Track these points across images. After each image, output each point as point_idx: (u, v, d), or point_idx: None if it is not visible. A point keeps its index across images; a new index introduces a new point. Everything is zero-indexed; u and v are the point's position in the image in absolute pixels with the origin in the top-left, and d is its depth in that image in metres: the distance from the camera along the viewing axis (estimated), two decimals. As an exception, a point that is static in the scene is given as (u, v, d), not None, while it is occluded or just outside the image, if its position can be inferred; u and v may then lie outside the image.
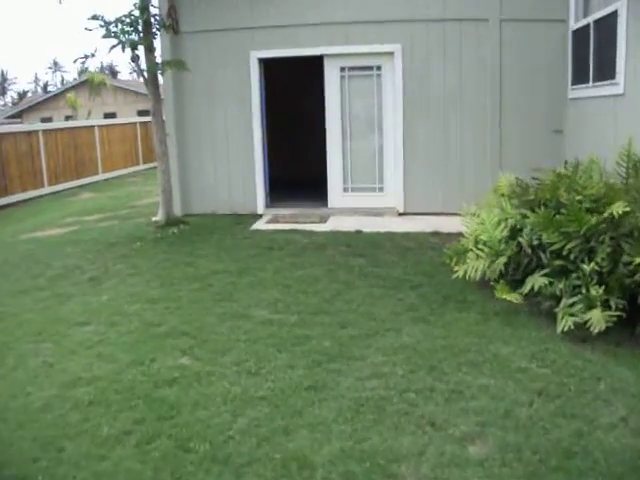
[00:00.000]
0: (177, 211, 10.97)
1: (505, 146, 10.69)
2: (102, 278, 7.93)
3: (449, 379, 4.89)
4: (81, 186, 18.94)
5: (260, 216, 11.03)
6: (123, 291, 7.32)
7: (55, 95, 39.79)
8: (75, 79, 39.77)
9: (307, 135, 15.38)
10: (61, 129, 19.09)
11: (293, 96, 14.76)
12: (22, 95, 75.37)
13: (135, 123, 23.83)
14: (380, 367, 5.11)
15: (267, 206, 11.33)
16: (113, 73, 43.63)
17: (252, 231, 9.98)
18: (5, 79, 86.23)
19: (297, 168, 14.97)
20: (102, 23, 8.86)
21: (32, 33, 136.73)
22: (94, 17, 8.91)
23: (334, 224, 10.28)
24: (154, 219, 10.69)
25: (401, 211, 10.90)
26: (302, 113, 15.19)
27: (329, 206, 11.15)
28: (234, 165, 11.18)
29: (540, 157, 10.52)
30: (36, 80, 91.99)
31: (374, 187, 11.10)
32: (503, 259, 6.41)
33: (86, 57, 9.10)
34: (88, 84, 33.08)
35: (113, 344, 5.77)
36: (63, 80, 72.64)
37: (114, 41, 8.96)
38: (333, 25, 10.62)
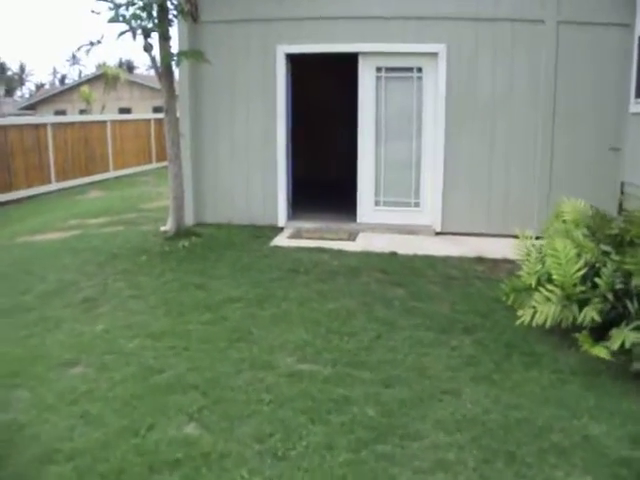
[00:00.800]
0: (189, 219, 9.75)
1: (556, 162, 9.41)
2: (99, 299, 6.73)
3: (534, 475, 3.66)
4: (91, 183, 17.78)
5: (281, 229, 9.79)
6: (121, 319, 6.11)
7: (70, 88, 38.65)
8: (93, 73, 38.41)
9: (332, 137, 14.26)
10: (71, 123, 17.95)
11: (318, 94, 13.59)
12: (39, 87, 74.34)
13: (149, 120, 22.62)
14: (444, 452, 3.89)
15: (289, 218, 10.08)
16: (129, 68, 42.37)
17: (273, 248, 8.73)
18: (23, 71, 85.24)
19: (320, 170, 13.83)
20: (111, 5, 7.63)
21: (52, 26, 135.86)
22: (101, -2, 7.70)
23: (365, 243, 9.03)
24: (163, 228, 9.46)
25: (438, 230, 9.64)
26: (327, 112, 14.05)
27: (358, 221, 9.89)
28: (254, 171, 9.94)
29: (594, 177, 9.34)
30: (54, 73, 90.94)
31: (409, 202, 9.84)
32: (592, 312, 5.15)
33: (92, 44, 7.85)
34: (103, 78, 32.09)
35: (103, 398, 4.54)
36: (80, 73, 71.53)
37: (125, 27, 7.73)
38: (370, 20, 9.37)
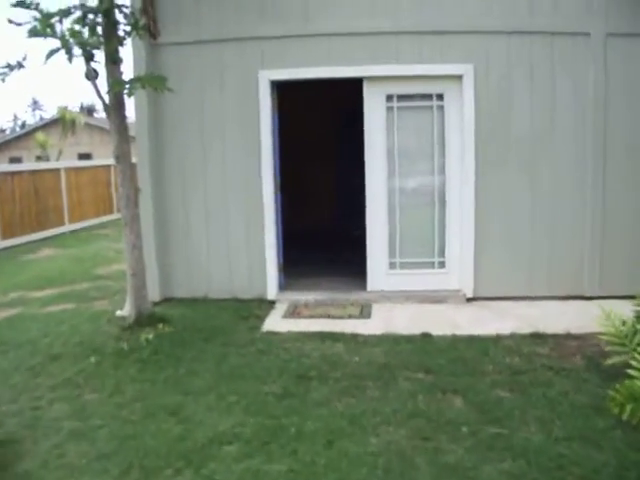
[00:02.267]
0: (154, 295, 7.38)
1: (610, 211, 7.30)
2: (23, 441, 4.33)
3: None
4: (43, 239, 15.14)
5: (272, 304, 7.44)
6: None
7: (26, 133, 35.70)
8: (51, 117, 35.63)
9: (328, 179, 12.04)
10: (19, 172, 15.40)
11: (310, 126, 11.40)
12: (-2, 133, 71.11)
13: (109, 166, 20.04)
14: None
15: (281, 288, 7.74)
16: (90, 111, 39.70)
17: (267, 335, 6.36)
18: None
19: (314, 220, 11.55)
20: (37, 15, 5.25)
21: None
22: (21, 3, 5.28)
23: (384, 320, 6.75)
24: (119, 313, 7.00)
25: (470, 295, 7.41)
26: (322, 149, 11.83)
27: (369, 288, 7.59)
28: (235, 230, 7.59)
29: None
30: (15, 119, 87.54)
31: (432, 262, 7.58)
32: None
33: (10, 68, 5.44)
34: (60, 122, 29.56)
35: None
36: (41, 119, 68.51)
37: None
38: (377, 36, 7.17)
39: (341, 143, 11.73)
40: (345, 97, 10.44)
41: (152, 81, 5.85)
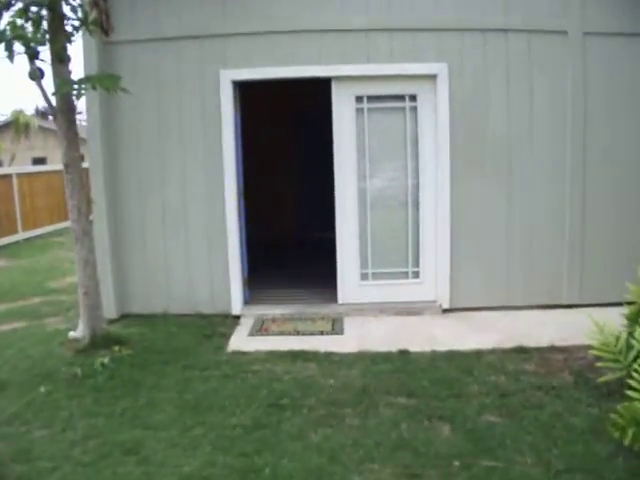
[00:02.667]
0: (109, 312, 6.82)
1: (590, 214, 6.96)
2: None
3: None
4: (-5, 249, 14.35)
5: (237, 319, 6.93)
6: None
7: (-23, 138, 34.43)
8: (3, 121, 34.29)
9: (293, 185, 11.50)
10: (-35, 179, 14.58)
11: (273, 129, 10.88)
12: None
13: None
14: None
15: (246, 302, 7.22)
16: (45, 114, 38.28)
17: (233, 356, 5.81)
18: None
19: (279, 230, 11.05)
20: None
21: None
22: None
23: (358, 336, 6.29)
24: (72, 335, 6.35)
25: (446, 306, 6.99)
26: (286, 153, 11.33)
27: (340, 301, 7.12)
28: (196, 242, 7.05)
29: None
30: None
31: (406, 272, 7.15)
32: None
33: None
34: (13, 125, 28.42)
35: None
36: (-5, 124, 66.39)
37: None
38: (347, 34, 6.71)
39: (302, 146, 11.26)
40: (304, 96, 10.00)
41: (104, 81, 5.26)
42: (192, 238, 7.02)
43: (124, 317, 7.09)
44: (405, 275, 7.13)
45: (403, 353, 5.79)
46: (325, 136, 7.37)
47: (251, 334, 6.41)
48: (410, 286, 7.09)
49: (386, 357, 5.70)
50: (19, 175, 16.44)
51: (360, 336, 6.28)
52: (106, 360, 5.57)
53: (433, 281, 7.04)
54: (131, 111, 6.86)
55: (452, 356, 5.72)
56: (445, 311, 7.00)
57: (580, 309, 6.93)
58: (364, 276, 7.12)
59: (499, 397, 4.85)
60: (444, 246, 6.91)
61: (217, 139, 6.88)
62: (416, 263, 7.09)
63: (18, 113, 29.05)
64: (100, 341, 5.85)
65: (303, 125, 11.05)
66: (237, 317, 6.98)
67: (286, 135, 11.32)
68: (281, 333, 6.39)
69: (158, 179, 6.96)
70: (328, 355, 5.76)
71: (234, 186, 6.94)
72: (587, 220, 6.95)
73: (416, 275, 7.11)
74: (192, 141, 6.91)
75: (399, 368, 5.43)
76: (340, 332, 6.40)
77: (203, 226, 7.00)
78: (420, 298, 7.07)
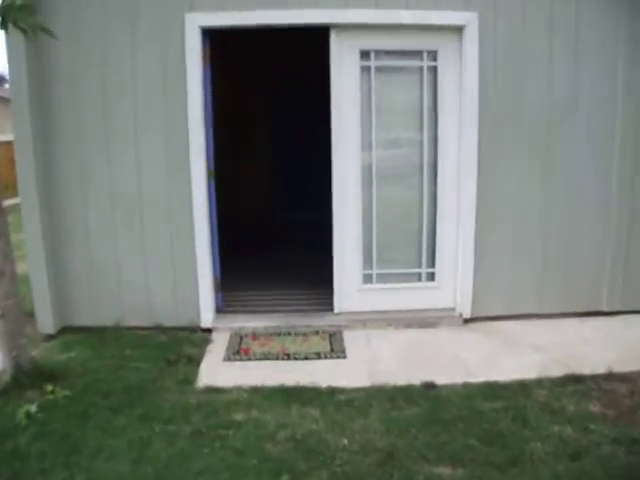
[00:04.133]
0: (46, 325, 5.26)
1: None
2: None
3: None
4: None
5: (208, 333, 5.37)
6: None
7: None
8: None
9: (275, 159, 9.84)
10: None
11: (250, 91, 9.21)
12: None
13: (9, 142, 16.98)
14: None
15: (219, 310, 5.65)
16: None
17: (205, 397, 4.20)
18: None
19: (247, 214, 9.44)
20: None
21: None
22: None
23: (365, 360, 4.80)
24: None
25: (467, 315, 5.54)
26: (267, 121, 9.70)
27: (337, 309, 5.59)
28: (154, 234, 5.41)
29: None
30: None
31: (418, 273, 5.65)
32: None
33: None
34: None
35: None
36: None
37: None
38: (350, -30, 5.10)
39: (278, 116, 9.63)
40: (284, 55, 8.39)
41: (23, 15, 3.52)
42: (149, 231, 5.37)
43: (65, 331, 5.45)
44: (417, 277, 5.64)
45: (429, 387, 4.33)
46: (314, 104, 5.84)
47: (227, 358, 4.85)
48: (423, 291, 5.61)
49: (408, 394, 4.22)
50: (-1, 143, 14.35)
51: (368, 360, 4.79)
52: (33, 407, 3.94)
53: (452, 285, 5.57)
54: (68, 69, 5.13)
55: (492, 391, 4.27)
56: (466, 321, 5.55)
57: (622, 317, 5.62)
58: (367, 278, 5.59)
59: (571, 460, 3.45)
60: (467, 240, 5.42)
61: (181, 104, 5.18)
62: (431, 262, 5.59)
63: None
64: (26, 378, 4.21)
65: (286, 91, 9.42)
66: (208, 330, 5.41)
67: (263, 101, 9.63)
68: (266, 356, 4.85)
69: (104, 157, 5.25)
70: (332, 393, 4.25)
71: (202, 164, 5.30)
72: (636, 215, 5.56)
73: (431, 277, 5.62)
74: (148, 104, 5.19)
75: (430, 415, 3.95)
76: (342, 354, 4.89)
77: (163, 215, 5.34)
78: (435, 305, 5.60)
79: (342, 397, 4.19)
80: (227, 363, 4.78)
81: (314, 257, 6.67)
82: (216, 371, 4.62)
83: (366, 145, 5.37)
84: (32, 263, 5.29)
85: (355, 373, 4.57)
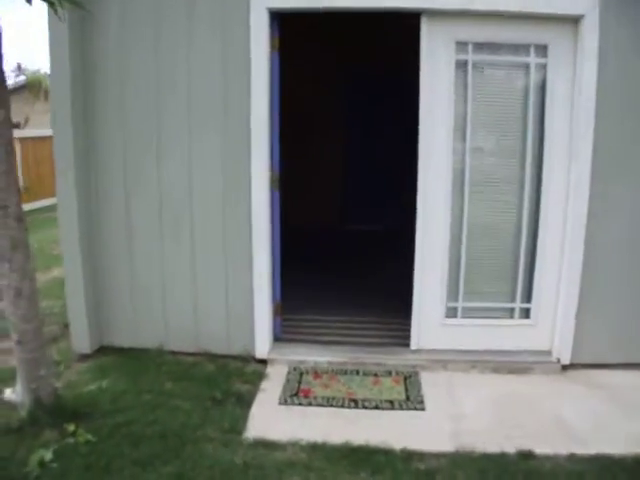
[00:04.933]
0: (82, 344, 4.62)
1: None
2: None
3: None
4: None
5: (263, 365, 4.57)
6: None
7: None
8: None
9: (332, 163, 9.06)
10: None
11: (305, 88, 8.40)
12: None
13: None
14: None
15: (276, 338, 4.85)
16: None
17: (254, 454, 3.38)
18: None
19: (313, 220, 8.73)
20: None
21: None
22: None
23: (447, 414, 3.90)
24: (9, 396, 3.94)
25: (566, 361, 4.57)
26: (324, 122, 8.93)
27: (414, 345, 4.69)
28: (206, 248, 4.63)
29: None
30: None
31: (511, 308, 4.71)
32: None
33: None
34: (30, 87, 26.00)
35: None
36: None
37: None
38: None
39: (353, 115, 8.84)
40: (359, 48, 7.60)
41: None
42: (200, 243, 4.62)
43: (102, 351, 4.75)
44: (509, 313, 4.70)
45: (526, 457, 3.43)
46: (391, 104, 5.00)
47: (284, 400, 4.04)
48: (516, 329, 4.68)
49: (502, 467, 3.33)
50: (23, 140, 14.07)
51: (451, 416, 3.89)
52: (49, 455, 3.23)
53: (549, 323, 4.62)
54: (115, 55, 4.45)
55: (609, 471, 3.34)
56: (564, 368, 4.59)
57: None
58: (451, 311, 4.68)
59: None
60: (573, 272, 4.46)
61: (243, 99, 4.43)
62: (527, 296, 4.66)
63: (39, 75, 26.66)
64: (46, 415, 3.52)
65: (360, 88, 8.64)
66: (262, 361, 4.63)
67: (333, 99, 8.84)
68: (329, 402, 4.01)
69: (152, 156, 4.53)
70: (409, 459, 3.39)
71: (266, 171, 4.51)
72: None
73: (525, 314, 4.68)
74: (204, 101, 4.45)
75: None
76: (419, 404, 4.01)
77: (217, 226, 4.59)
78: (528, 347, 4.66)
79: (421, 466, 3.33)
80: (283, 408, 3.97)
81: (388, 274, 5.82)
82: (269, 418, 3.82)
83: (458, 153, 4.48)
84: (69, 274, 4.63)
85: (436, 432, 3.69)
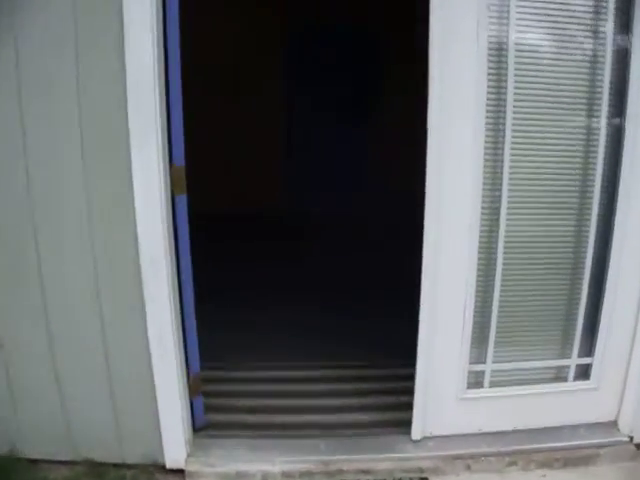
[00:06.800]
0: None
1: None
2: None
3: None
4: None
5: (180, 479, 2.72)
6: None
7: None
8: None
9: (269, 132, 6.93)
10: None
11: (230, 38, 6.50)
12: None
13: None
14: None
15: (198, 427, 2.95)
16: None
17: None
18: None
19: (246, 203, 6.64)
20: None
21: None
22: None
23: None
24: None
25: (639, 439, 2.90)
26: (255, 83, 6.86)
27: (417, 433, 2.81)
28: (63, 298, 2.61)
29: None
30: None
31: (565, 367, 2.94)
32: None
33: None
34: None
35: None
36: None
37: None
38: None
39: (294, 74, 6.85)
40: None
41: None
42: (55, 290, 2.60)
43: None
44: (561, 374, 2.95)
45: None
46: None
47: None
48: (568, 395, 2.92)
49: None
50: None
51: None
52: None
53: (619, 386, 2.91)
54: None
55: None
56: (639, 448, 2.93)
57: None
58: (475, 379, 2.86)
59: None
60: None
61: (108, 45, 2.37)
62: (589, 349, 2.91)
63: None
64: None
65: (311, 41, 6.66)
66: (178, 472, 2.77)
67: (271, 56, 6.76)
68: None
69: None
70: None
71: (159, 166, 2.47)
72: None
73: (584, 374, 2.92)
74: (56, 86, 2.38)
75: None
76: None
77: (83, 264, 2.58)
78: (585, 418, 2.94)
79: None
80: None
81: (371, 294, 3.99)
82: None
83: (490, 154, 2.61)
84: None
85: None
